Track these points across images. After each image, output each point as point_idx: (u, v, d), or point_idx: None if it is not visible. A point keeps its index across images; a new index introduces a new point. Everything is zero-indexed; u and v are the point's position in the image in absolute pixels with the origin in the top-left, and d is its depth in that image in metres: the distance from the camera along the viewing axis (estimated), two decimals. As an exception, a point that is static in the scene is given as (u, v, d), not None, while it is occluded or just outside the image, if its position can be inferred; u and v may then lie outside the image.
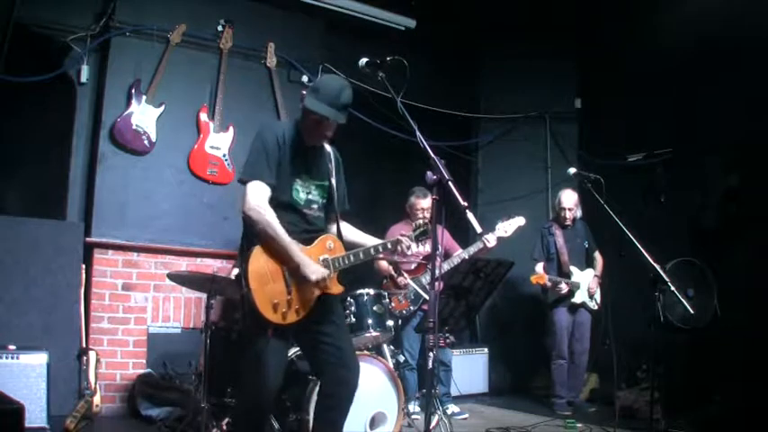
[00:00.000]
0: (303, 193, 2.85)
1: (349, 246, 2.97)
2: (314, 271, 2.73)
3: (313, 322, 2.82)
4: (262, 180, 2.73)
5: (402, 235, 2.97)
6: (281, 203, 2.78)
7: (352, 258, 2.89)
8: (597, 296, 5.39)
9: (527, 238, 5.30)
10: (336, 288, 2.91)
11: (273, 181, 2.75)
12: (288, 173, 2.80)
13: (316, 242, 2.85)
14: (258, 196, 2.71)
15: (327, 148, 2.99)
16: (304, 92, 2.85)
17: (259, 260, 2.70)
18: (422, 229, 3.02)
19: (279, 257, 2.72)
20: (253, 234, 2.76)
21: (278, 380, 2.80)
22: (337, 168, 3.02)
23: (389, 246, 2.93)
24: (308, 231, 2.85)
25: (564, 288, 5.22)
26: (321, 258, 2.83)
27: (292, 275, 2.73)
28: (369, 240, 3.03)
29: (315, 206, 2.90)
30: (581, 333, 5.38)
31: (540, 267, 5.37)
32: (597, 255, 5.49)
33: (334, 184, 2.96)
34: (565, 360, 5.35)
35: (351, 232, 3.08)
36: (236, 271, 4.36)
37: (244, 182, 2.76)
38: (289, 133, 2.85)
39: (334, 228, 3.02)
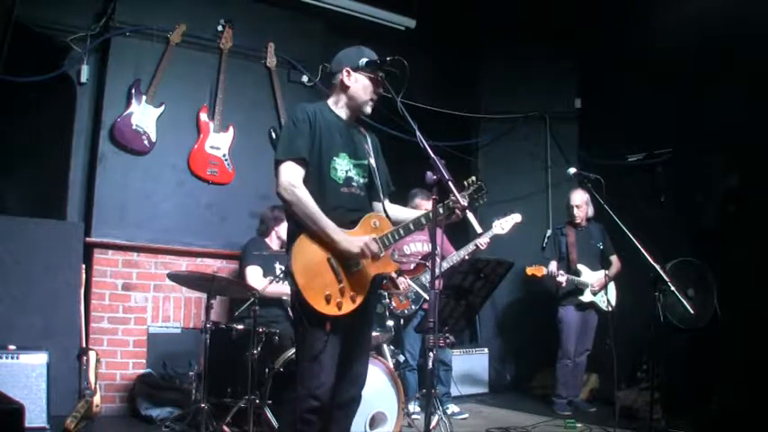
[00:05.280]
0: (342, 171, 2.73)
1: (397, 224, 2.80)
2: (353, 244, 2.59)
3: (348, 333, 2.68)
4: (293, 157, 2.63)
5: (454, 196, 2.56)
6: (320, 182, 2.67)
7: (402, 232, 2.71)
8: (612, 298, 5.31)
9: (527, 238, 5.30)
10: (391, 266, 2.78)
11: (305, 155, 2.64)
12: (325, 150, 2.70)
13: (359, 223, 2.70)
14: (290, 174, 2.61)
15: (363, 130, 2.92)
16: (346, 68, 2.75)
17: (304, 252, 2.59)
18: (476, 185, 2.78)
19: (322, 242, 2.59)
20: (293, 219, 2.66)
21: (333, 379, 2.62)
22: (376, 150, 2.91)
23: (442, 210, 2.65)
24: (350, 210, 2.71)
25: (563, 280, 5.21)
26: (371, 237, 2.67)
27: (339, 260, 2.60)
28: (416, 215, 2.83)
29: (354, 185, 2.76)
30: (586, 333, 5.36)
31: (553, 266, 5.36)
32: (614, 258, 5.39)
33: (374, 164, 2.84)
34: (570, 360, 5.33)
35: (398, 210, 2.95)
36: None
37: (277, 163, 2.66)
38: (323, 111, 2.76)
39: (378, 206, 2.88)
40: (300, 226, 2.62)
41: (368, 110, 2.82)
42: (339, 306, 2.57)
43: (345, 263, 2.62)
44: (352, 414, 2.81)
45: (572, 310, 5.34)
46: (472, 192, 2.78)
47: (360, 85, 2.77)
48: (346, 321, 2.63)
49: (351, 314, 2.61)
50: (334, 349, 2.62)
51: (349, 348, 2.70)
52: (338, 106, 2.83)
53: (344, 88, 2.79)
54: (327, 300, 2.55)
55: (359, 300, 2.63)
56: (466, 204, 2.46)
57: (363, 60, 2.74)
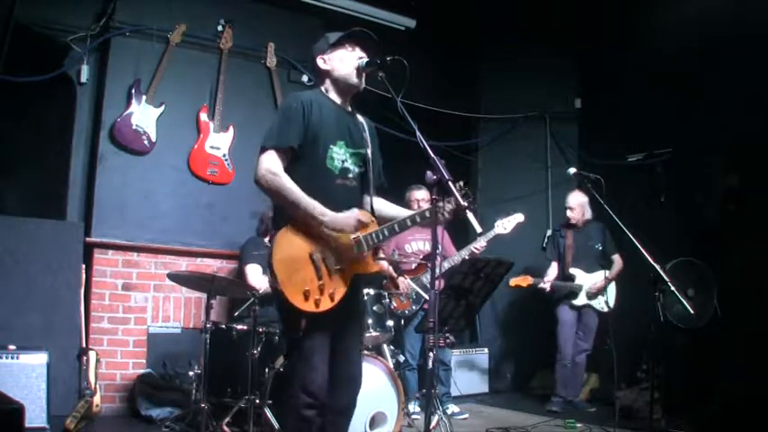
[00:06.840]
0: (338, 161, 2.65)
1: (385, 221, 2.71)
2: (347, 220, 2.51)
3: (340, 327, 2.63)
4: (280, 145, 2.56)
5: (454, 197, 2.50)
6: (315, 171, 2.60)
7: (386, 233, 2.62)
8: (611, 299, 5.29)
9: (527, 238, 5.29)
10: (372, 267, 2.68)
11: (295, 143, 2.56)
12: (322, 139, 2.61)
13: None
14: (271, 163, 2.54)
15: (360, 118, 2.85)
16: (319, 57, 2.73)
17: (283, 246, 2.52)
18: (463, 191, 2.57)
19: (306, 235, 2.54)
20: (278, 213, 2.61)
21: (325, 376, 2.56)
22: (372, 139, 2.82)
23: (428, 214, 2.59)
24: (343, 203, 2.61)
25: (546, 287, 5.23)
26: (352, 236, 2.59)
27: (322, 256, 2.54)
28: (406, 214, 2.74)
29: (350, 175, 2.69)
30: (585, 334, 5.37)
31: (553, 267, 5.38)
32: (616, 257, 5.36)
33: (370, 154, 2.76)
34: (569, 361, 5.33)
35: (387, 207, 2.86)
36: None
37: (261, 150, 2.60)
38: (317, 98, 2.69)
39: (367, 201, 2.78)
40: (284, 217, 2.57)
41: (356, 80, 2.71)
42: (317, 303, 2.50)
43: (328, 260, 2.56)
44: (350, 416, 2.76)
45: (567, 311, 5.35)
46: (465, 193, 2.61)
47: (336, 61, 2.71)
48: (331, 322, 2.56)
49: (332, 315, 2.54)
50: (323, 348, 2.56)
51: (336, 352, 2.63)
52: (330, 93, 2.77)
53: (326, 74, 2.75)
54: (306, 296, 2.48)
55: (337, 298, 2.54)
56: (466, 205, 2.45)
57: (329, 40, 2.71)
